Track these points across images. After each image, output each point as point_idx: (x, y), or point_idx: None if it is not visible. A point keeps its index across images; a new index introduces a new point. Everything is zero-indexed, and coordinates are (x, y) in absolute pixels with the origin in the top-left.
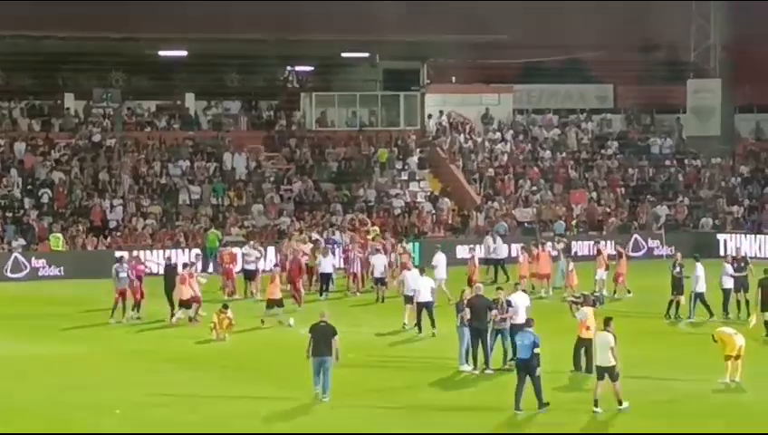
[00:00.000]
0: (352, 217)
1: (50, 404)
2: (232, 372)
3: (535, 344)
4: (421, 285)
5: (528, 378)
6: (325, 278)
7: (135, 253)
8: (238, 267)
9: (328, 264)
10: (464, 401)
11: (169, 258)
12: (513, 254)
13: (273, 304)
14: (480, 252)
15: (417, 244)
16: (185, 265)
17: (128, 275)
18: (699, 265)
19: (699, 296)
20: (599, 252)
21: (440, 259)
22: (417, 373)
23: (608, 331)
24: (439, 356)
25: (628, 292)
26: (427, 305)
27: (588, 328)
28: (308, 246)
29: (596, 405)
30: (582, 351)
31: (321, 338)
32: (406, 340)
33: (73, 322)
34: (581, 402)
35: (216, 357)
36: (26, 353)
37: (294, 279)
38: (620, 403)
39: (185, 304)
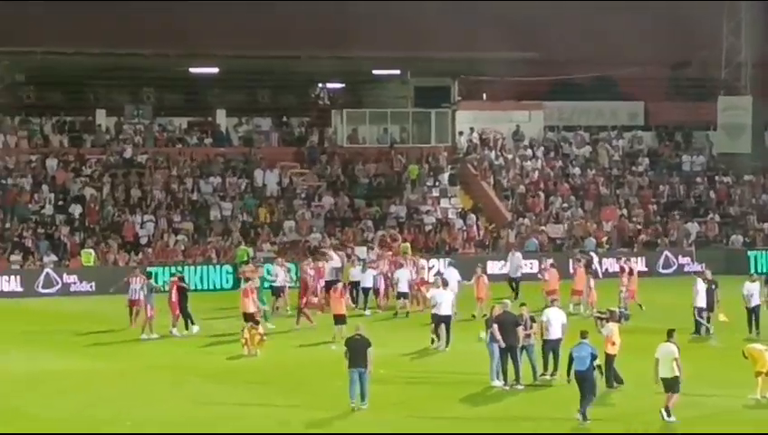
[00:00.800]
0: (383, 234)
1: (77, 419)
2: (263, 387)
3: (593, 356)
4: (443, 299)
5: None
6: (365, 292)
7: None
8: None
9: (367, 277)
10: (495, 415)
11: (182, 275)
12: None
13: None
14: (507, 268)
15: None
16: (247, 280)
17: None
18: (700, 281)
19: (698, 311)
20: (622, 269)
21: (451, 274)
22: (448, 388)
23: (671, 341)
24: (470, 371)
25: (640, 307)
26: (445, 320)
27: (613, 344)
28: (321, 263)
29: (668, 415)
30: (608, 366)
31: (358, 350)
32: (434, 356)
33: (104, 337)
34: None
35: (247, 372)
36: (56, 368)
37: (301, 297)
38: (669, 414)
39: (250, 318)
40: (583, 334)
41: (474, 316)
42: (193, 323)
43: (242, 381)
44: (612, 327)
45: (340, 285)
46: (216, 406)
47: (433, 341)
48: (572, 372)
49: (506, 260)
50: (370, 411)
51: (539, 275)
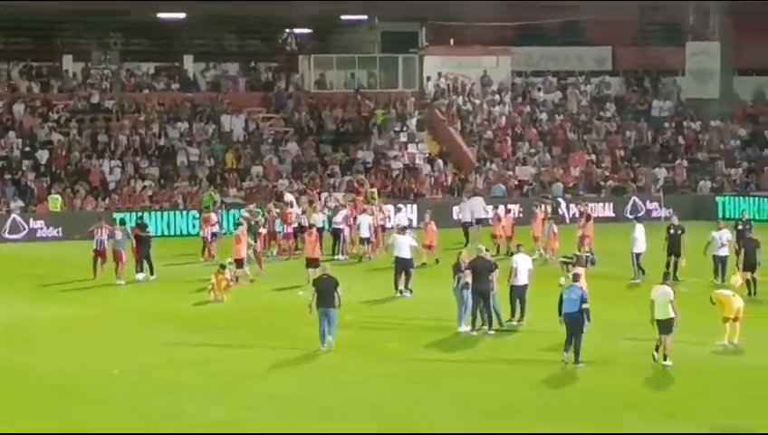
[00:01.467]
0: (350, 179)
1: (45, 365)
2: (231, 332)
3: (583, 299)
4: (401, 243)
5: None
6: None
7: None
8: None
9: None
10: (463, 358)
11: (142, 222)
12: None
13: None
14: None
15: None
16: (238, 225)
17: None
18: (639, 226)
19: (637, 256)
20: (580, 214)
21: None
22: (415, 334)
23: (666, 284)
24: (436, 317)
25: (590, 253)
26: (404, 263)
27: (581, 288)
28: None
29: (665, 359)
30: None
31: (326, 290)
32: (399, 302)
33: (72, 284)
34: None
35: (214, 318)
36: (24, 315)
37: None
38: (665, 358)
39: (239, 263)
40: (575, 277)
41: (424, 264)
42: (142, 271)
43: (209, 326)
44: (580, 272)
45: (314, 229)
46: (185, 349)
47: (397, 286)
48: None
49: (459, 206)
50: (337, 354)
51: (490, 222)
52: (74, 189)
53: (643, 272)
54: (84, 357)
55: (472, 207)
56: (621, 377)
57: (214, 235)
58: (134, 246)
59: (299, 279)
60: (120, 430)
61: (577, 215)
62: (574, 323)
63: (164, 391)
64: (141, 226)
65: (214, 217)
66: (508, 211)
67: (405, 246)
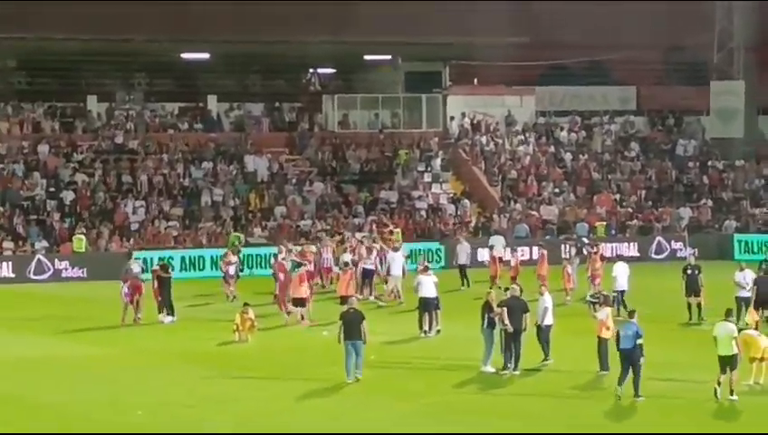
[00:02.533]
0: (374, 219)
1: (72, 404)
2: (256, 372)
3: (638, 335)
4: (425, 283)
5: (630, 367)
6: (369, 275)
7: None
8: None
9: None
10: (488, 403)
11: (164, 263)
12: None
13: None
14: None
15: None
16: (299, 265)
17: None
18: (620, 264)
19: (620, 294)
20: (592, 255)
21: (396, 258)
22: (440, 373)
23: (729, 320)
24: (461, 357)
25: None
26: (429, 303)
27: (608, 328)
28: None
29: (731, 393)
30: (600, 350)
31: (352, 323)
32: (424, 342)
33: (96, 322)
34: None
35: (238, 358)
36: (50, 354)
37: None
38: (732, 393)
39: (300, 303)
40: (631, 314)
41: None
42: (166, 314)
43: (233, 367)
44: (607, 311)
45: (349, 268)
46: (209, 389)
47: (422, 326)
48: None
49: (456, 249)
50: (362, 394)
51: (485, 263)
52: (99, 230)
53: (626, 308)
54: (108, 396)
55: (467, 250)
56: (686, 413)
57: (233, 275)
58: (156, 287)
59: (323, 318)
60: None
61: (606, 254)
62: (630, 358)
63: (189, 429)
64: (164, 267)
65: (233, 256)
66: (514, 251)
67: (429, 285)
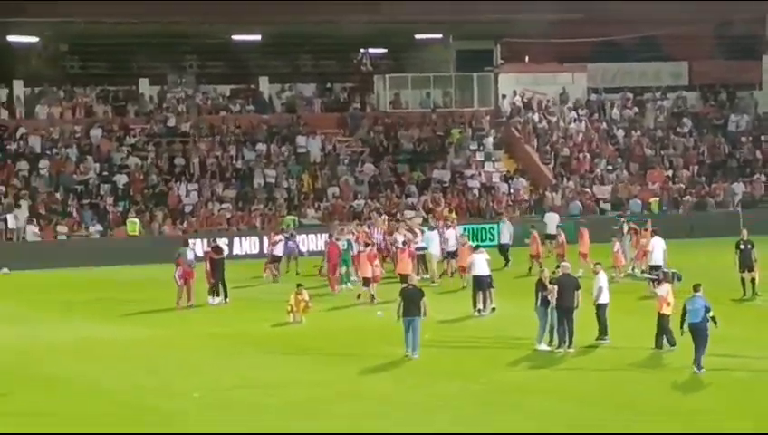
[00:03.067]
0: (427, 199)
1: (128, 388)
2: (310, 354)
3: (707, 308)
4: (478, 261)
5: (697, 341)
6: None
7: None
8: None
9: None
10: (543, 382)
11: (216, 245)
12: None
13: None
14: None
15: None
16: (367, 245)
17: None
18: (657, 238)
19: (652, 268)
20: (635, 231)
21: (433, 237)
22: (494, 352)
23: None
24: (515, 336)
25: (643, 271)
26: (483, 281)
27: (669, 304)
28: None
29: None
30: (662, 327)
31: (411, 300)
32: (477, 321)
33: (150, 306)
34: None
35: (293, 340)
36: (105, 337)
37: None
38: None
39: (368, 282)
40: (696, 287)
41: (464, 288)
42: (217, 295)
43: (288, 349)
44: (667, 288)
45: (407, 247)
46: (264, 372)
47: (476, 305)
48: (686, 324)
49: (500, 227)
50: (416, 374)
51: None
52: (152, 213)
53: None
54: (163, 378)
55: (510, 229)
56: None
57: (279, 255)
58: (208, 269)
59: (379, 298)
60: None
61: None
62: (699, 332)
63: (245, 412)
64: (216, 249)
65: (278, 236)
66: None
67: (482, 263)
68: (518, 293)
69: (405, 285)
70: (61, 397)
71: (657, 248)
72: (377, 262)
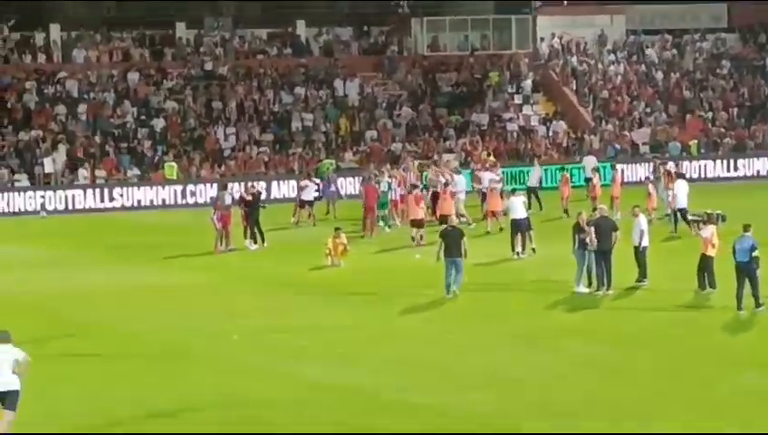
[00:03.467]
0: (465, 142)
1: (168, 331)
2: (349, 297)
3: (754, 248)
4: (515, 204)
5: (747, 280)
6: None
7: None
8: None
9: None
10: (581, 325)
11: (254, 187)
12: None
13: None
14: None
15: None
16: (414, 187)
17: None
18: (680, 182)
19: (680, 212)
20: (668, 173)
21: (460, 179)
22: (532, 295)
23: None
24: (554, 279)
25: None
26: (520, 224)
27: (713, 245)
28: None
29: None
30: (706, 268)
31: (452, 241)
32: (516, 264)
33: (188, 250)
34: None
35: (331, 283)
36: (142, 282)
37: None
38: None
39: (417, 225)
40: (746, 227)
41: (488, 232)
42: (254, 242)
43: (326, 292)
44: (712, 229)
45: (448, 189)
46: (303, 315)
47: (514, 247)
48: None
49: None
50: (455, 317)
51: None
52: (190, 157)
53: (689, 224)
54: (201, 321)
55: (539, 173)
56: None
57: (309, 200)
58: (243, 213)
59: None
60: (235, 393)
61: (695, 175)
62: (747, 271)
63: (283, 356)
64: (252, 193)
65: (304, 182)
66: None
67: (519, 206)
68: (555, 236)
69: (445, 226)
70: (98, 340)
71: (682, 191)
72: (423, 204)
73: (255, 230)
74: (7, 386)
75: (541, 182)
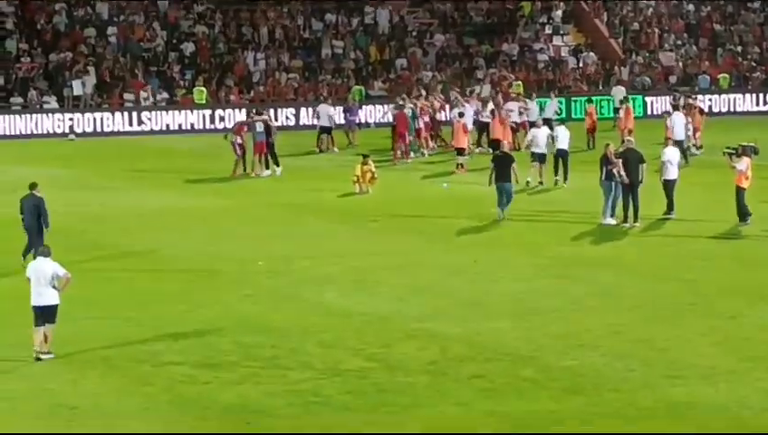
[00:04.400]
0: (494, 72)
1: (196, 255)
2: (374, 224)
3: None
4: (539, 137)
5: None
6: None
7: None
8: None
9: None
10: (608, 255)
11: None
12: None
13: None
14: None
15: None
16: (461, 114)
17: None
18: (675, 114)
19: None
20: (692, 107)
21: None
22: (559, 226)
23: None
24: (581, 211)
25: (699, 148)
26: (541, 157)
27: (747, 178)
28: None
29: None
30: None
31: (503, 166)
32: (542, 195)
33: (215, 174)
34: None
35: (359, 210)
36: (169, 206)
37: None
38: None
39: (461, 152)
40: None
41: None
42: (266, 168)
43: (353, 218)
44: (747, 162)
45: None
46: (329, 241)
47: (528, 182)
48: None
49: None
50: (482, 246)
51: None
52: (219, 82)
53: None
54: (228, 246)
55: (554, 106)
56: None
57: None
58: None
59: (443, 170)
60: (258, 318)
61: (723, 110)
62: None
63: (307, 281)
64: (265, 120)
65: (331, 109)
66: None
67: (542, 139)
68: (581, 167)
69: (497, 151)
70: (125, 262)
71: (679, 124)
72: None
73: (269, 158)
74: (48, 300)
75: (557, 114)
